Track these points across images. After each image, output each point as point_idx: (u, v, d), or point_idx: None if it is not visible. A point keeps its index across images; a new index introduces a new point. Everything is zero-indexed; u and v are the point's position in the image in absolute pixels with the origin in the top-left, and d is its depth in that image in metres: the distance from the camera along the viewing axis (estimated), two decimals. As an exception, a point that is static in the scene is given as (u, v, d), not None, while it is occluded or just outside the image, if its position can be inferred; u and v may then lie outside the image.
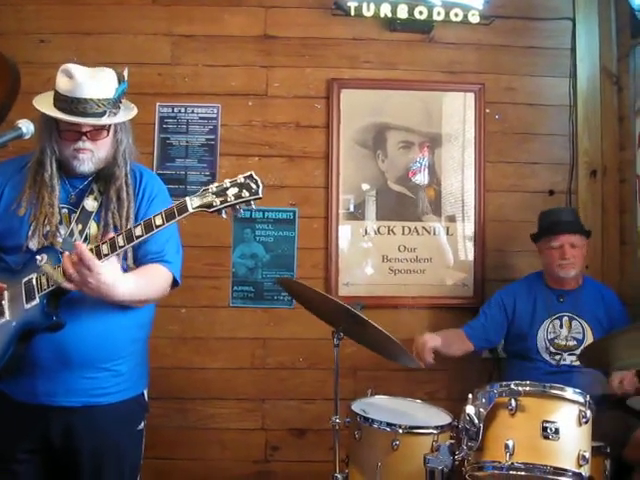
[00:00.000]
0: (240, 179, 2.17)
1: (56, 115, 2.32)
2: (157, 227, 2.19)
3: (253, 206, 2.19)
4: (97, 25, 3.89)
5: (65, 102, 2.31)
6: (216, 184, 2.17)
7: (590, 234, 3.54)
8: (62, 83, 2.33)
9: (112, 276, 2.23)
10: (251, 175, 2.17)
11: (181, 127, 3.88)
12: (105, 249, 2.21)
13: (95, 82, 2.34)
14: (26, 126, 2.23)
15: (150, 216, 2.24)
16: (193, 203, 2.16)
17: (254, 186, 2.16)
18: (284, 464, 3.88)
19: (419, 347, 3.27)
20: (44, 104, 2.37)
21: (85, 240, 2.39)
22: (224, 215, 2.18)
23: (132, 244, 2.23)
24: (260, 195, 2.16)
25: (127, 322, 2.45)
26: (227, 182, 2.17)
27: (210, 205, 2.15)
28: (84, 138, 2.36)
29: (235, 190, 2.15)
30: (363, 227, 3.93)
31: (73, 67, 2.33)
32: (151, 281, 2.44)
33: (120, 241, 2.21)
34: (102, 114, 2.35)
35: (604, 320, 3.40)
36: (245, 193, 2.15)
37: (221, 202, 2.15)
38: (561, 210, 3.63)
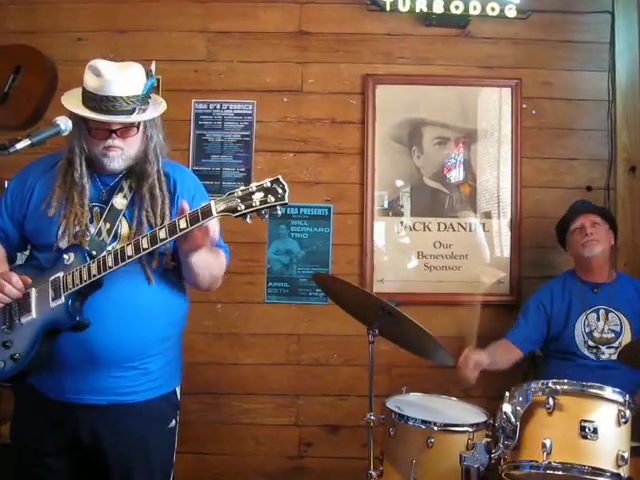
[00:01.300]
0: (266, 183, 2.12)
1: (84, 114, 2.31)
2: (181, 230, 2.17)
3: (279, 212, 2.15)
4: (133, 22, 3.93)
5: (94, 100, 2.30)
6: (242, 188, 2.13)
7: (612, 220, 3.55)
8: (90, 81, 2.32)
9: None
10: (278, 179, 2.12)
11: (216, 123, 3.89)
12: (129, 251, 2.22)
13: (123, 79, 2.32)
14: (64, 123, 2.26)
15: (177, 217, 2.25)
16: (218, 207, 2.13)
17: (280, 191, 2.11)
18: (318, 460, 3.88)
19: (465, 364, 3.19)
20: (73, 102, 2.36)
21: (115, 238, 2.39)
22: (249, 220, 2.14)
23: (155, 247, 2.22)
24: (286, 201, 2.11)
25: (156, 321, 2.44)
26: (253, 186, 2.12)
27: (235, 210, 2.12)
28: (114, 136, 2.35)
29: (261, 195, 2.11)
30: (398, 223, 3.91)
31: (101, 64, 2.32)
32: (218, 257, 2.46)
33: (144, 243, 2.21)
34: (131, 111, 2.33)
35: None
36: (271, 198, 2.10)
37: (246, 207, 2.11)
38: (577, 201, 3.63)
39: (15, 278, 2.29)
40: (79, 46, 3.89)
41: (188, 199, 2.43)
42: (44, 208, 2.41)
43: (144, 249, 2.21)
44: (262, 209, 2.12)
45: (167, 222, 2.34)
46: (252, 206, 2.11)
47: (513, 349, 3.43)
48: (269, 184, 2.12)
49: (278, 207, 2.13)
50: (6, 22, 3.91)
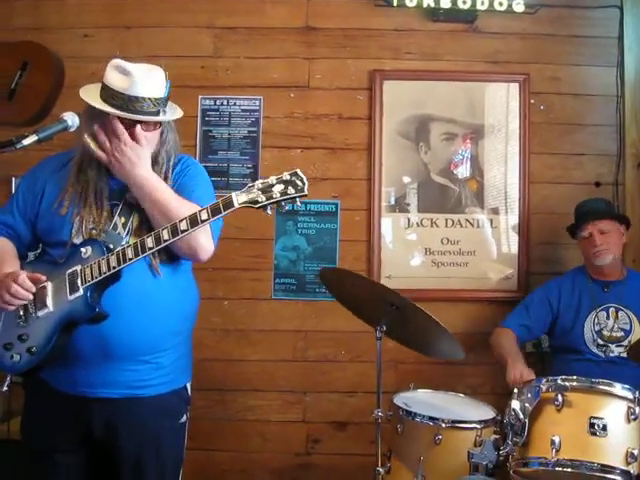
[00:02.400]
0: (285, 176, 2.16)
1: (116, 112, 2.32)
2: (202, 222, 2.17)
3: (298, 203, 2.19)
4: (139, 18, 3.92)
5: (122, 100, 2.30)
6: (261, 180, 2.16)
7: (624, 218, 3.51)
8: (116, 80, 2.32)
9: (138, 156, 2.34)
10: (296, 172, 2.16)
11: (223, 119, 3.89)
12: (150, 242, 2.22)
13: (150, 80, 2.34)
14: (71, 119, 2.25)
15: (186, 185, 2.40)
16: (239, 199, 2.15)
17: (300, 183, 2.15)
18: (325, 457, 3.88)
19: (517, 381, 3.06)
20: (96, 101, 2.35)
21: (128, 233, 2.40)
22: (269, 211, 2.17)
23: (176, 238, 2.22)
24: (305, 192, 2.15)
25: (169, 315, 2.45)
26: (273, 179, 2.16)
27: (256, 201, 2.14)
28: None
29: (281, 187, 2.14)
30: (406, 219, 3.90)
31: (125, 63, 2.33)
32: (182, 202, 2.37)
33: (165, 235, 2.21)
34: (157, 113, 2.37)
35: None
36: (291, 190, 2.14)
37: (267, 198, 2.14)
38: (589, 200, 3.57)
39: (22, 277, 2.28)
40: (85, 42, 3.89)
41: (182, 174, 2.53)
42: (56, 207, 2.42)
43: (164, 240, 2.21)
44: (283, 200, 2.15)
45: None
46: (273, 198, 2.14)
47: (511, 333, 3.42)
48: (288, 177, 2.16)
49: (298, 199, 2.16)
50: (12, 18, 3.91)
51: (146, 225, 2.40)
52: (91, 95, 2.38)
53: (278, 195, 2.14)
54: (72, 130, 2.27)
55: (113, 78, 2.33)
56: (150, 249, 2.22)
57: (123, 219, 2.42)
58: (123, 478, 2.43)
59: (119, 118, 2.34)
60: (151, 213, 2.36)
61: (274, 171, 3.72)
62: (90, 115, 2.38)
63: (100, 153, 2.34)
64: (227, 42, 3.93)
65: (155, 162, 2.45)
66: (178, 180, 2.50)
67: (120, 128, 2.32)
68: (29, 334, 2.31)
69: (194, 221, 2.18)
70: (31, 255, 2.61)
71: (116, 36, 3.89)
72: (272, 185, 2.15)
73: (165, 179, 2.46)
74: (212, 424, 3.83)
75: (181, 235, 2.20)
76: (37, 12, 3.91)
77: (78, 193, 2.42)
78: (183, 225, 2.19)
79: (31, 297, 2.30)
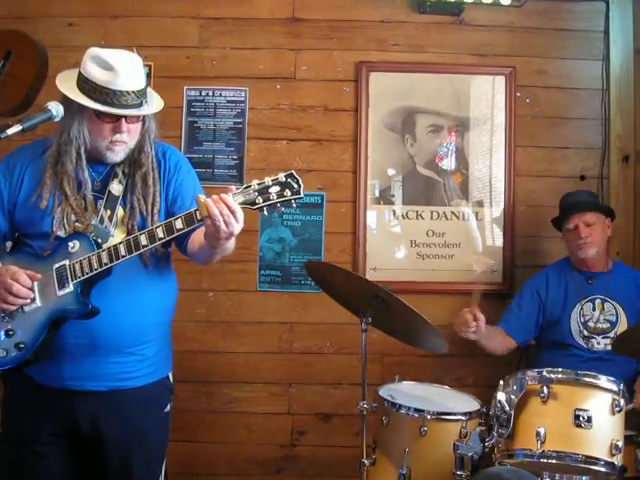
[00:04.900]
0: (281, 178, 2.16)
1: (101, 108, 2.29)
2: (198, 221, 2.18)
3: (294, 205, 2.19)
4: (124, 8, 3.88)
5: (104, 94, 2.28)
6: (257, 181, 2.16)
7: (610, 211, 3.51)
8: (99, 74, 2.29)
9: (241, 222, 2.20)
10: (292, 174, 2.17)
11: (209, 110, 3.86)
12: (144, 240, 2.22)
13: (131, 72, 2.32)
14: (55, 108, 2.25)
15: (185, 182, 2.42)
16: (236, 199, 2.14)
17: (295, 185, 2.15)
18: (310, 449, 3.88)
19: (465, 316, 3.13)
20: (79, 96, 2.32)
21: (114, 226, 2.40)
22: (265, 212, 2.18)
23: (172, 237, 2.22)
24: (301, 195, 2.16)
25: (151, 307, 2.47)
26: (269, 180, 2.15)
27: (253, 202, 2.15)
28: (123, 129, 2.35)
29: (277, 189, 2.15)
30: (391, 212, 3.90)
31: (105, 54, 2.30)
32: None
33: (160, 233, 2.21)
34: (139, 105, 2.36)
35: (637, 302, 3.36)
36: (287, 192, 2.15)
37: (264, 200, 2.14)
38: (574, 192, 3.58)
39: (23, 277, 2.27)
40: (70, 32, 3.84)
41: (173, 171, 2.51)
42: (35, 200, 2.39)
43: (159, 239, 2.22)
44: (279, 202, 2.15)
45: (157, 209, 2.41)
46: (270, 199, 2.15)
47: (507, 337, 3.43)
48: (284, 178, 2.16)
49: (293, 201, 2.16)
50: (-5, 8, 3.87)
51: (131, 216, 2.40)
52: (69, 85, 2.35)
53: (275, 197, 2.14)
54: (56, 120, 2.26)
55: (95, 71, 2.30)
56: (144, 247, 2.23)
57: (109, 212, 2.42)
58: (110, 469, 2.44)
59: (103, 113, 2.32)
60: (212, 253, 2.34)
61: (260, 162, 3.77)
62: (69, 108, 2.34)
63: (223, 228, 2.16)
64: (213, 33, 3.90)
65: (142, 151, 2.45)
66: (175, 176, 2.51)
67: (233, 204, 2.14)
68: (15, 329, 2.30)
69: (190, 221, 2.19)
70: (7, 245, 2.57)
71: (101, 25, 3.85)
72: (268, 187, 2.15)
73: (152, 170, 2.47)
74: (197, 416, 3.82)
75: (177, 233, 2.21)
76: (20, 1, 3.86)
77: (57, 185, 2.39)
78: (179, 224, 2.20)
79: (32, 295, 2.29)
